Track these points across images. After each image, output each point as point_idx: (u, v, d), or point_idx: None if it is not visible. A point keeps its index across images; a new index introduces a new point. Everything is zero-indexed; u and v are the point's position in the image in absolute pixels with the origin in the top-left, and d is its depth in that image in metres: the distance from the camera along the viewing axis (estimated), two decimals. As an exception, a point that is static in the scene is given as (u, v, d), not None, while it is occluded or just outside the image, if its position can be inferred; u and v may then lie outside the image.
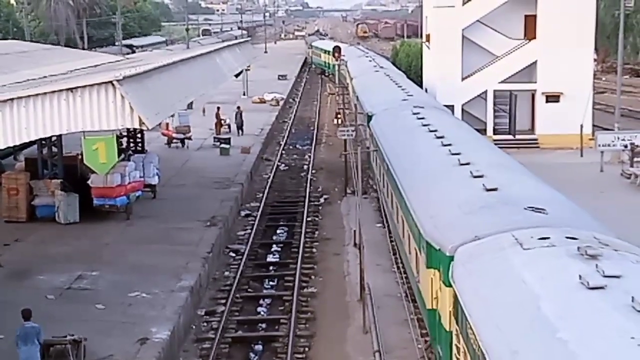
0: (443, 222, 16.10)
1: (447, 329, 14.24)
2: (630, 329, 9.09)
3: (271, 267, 26.48)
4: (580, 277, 10.62)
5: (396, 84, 42.31)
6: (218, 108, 48.06)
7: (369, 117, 33.00)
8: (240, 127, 47.56)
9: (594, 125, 44.76)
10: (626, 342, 8.90)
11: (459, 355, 13.09)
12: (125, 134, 34.91)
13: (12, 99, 16.99)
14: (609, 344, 9.05)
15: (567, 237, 12.59)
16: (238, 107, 48.81)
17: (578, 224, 14.16)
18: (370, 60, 62.02)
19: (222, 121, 47.20)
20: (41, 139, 25.53)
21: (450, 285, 13.72)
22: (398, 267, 22.51)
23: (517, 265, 12.16)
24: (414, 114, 29.32)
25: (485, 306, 11.75)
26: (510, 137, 45.25)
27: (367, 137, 33.61)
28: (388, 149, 26.20)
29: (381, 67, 55.16)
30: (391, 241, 25.15)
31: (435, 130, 24.85)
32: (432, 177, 19.79)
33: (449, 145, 21.99)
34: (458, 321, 13.12)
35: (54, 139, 27.80)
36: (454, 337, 13.66)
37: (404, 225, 20.26)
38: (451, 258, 14.10)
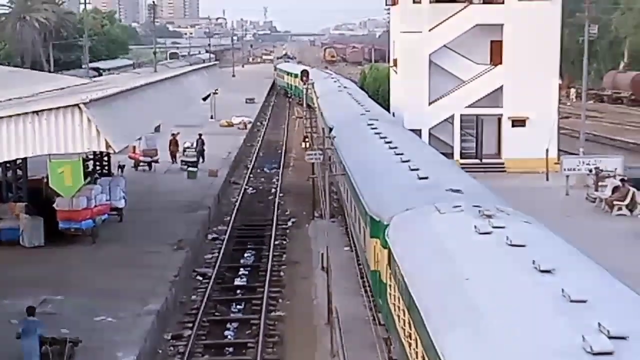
0: (384, 201, 20.22)
1: (384, 282, 18.11)
2: (500, 254, 13.45)
3: (238, 291, 26.36)
4: (475, 227, 14.92)
5: (356, 101, 47.08)
6: (173, 135, 46.04)
7: (330, 129, 36.52)
8: (201, 154, 45.22)
9: (559, 150, 45.21)
10: (496, 261, 13.27)
11: (391, 291, 16.97)
12: (91, 157, 34.67)
13: (-24, 121, 16.82)
14: (484, 262, 13.41)
15: (474, 206, 16.90)
16: (200, 135, 46.96)
17: (486, 200, 18.72)
18: (335, 82, 66.06)
19: (191, 144, 46.73)
20: (5, 162, 25.30)
21: (387, 247, 17.50)
22: (366, 291, 22.55)
23: (434, 223, 16.63)
24: (369, 125, 34.13)
25: (407, 250, 15.96)
26: (477, 161, 45.54)
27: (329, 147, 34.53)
28: (344, 152, 30.34)
29: (345, 88, 59.54)
30: (359, 265, 25.23)
31: (385, 137, 29.57)
32: (379, 170, 24.29)
33: (395, 148, 26.82)
34: (390, 267, 17.01)
35: (18, 161, 27.56)
36: (388, 283, 17.50)
37: (356, 209, 24.47)
38: (387, 226, 18.10)
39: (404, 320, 14.91)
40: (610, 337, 9.52)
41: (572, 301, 10.76)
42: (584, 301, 10.74)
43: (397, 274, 15.80)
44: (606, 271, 12.94)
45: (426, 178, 21.09)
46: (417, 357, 13.32)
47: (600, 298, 11.10)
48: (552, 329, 10.19)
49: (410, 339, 14.08)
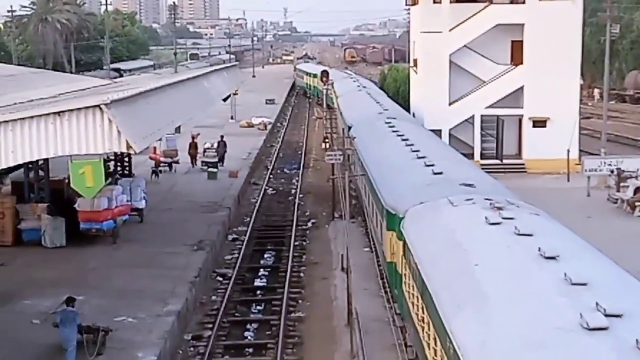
0: (399, 195, 21.00)
1: (400, 272, 18.87)
2: (508, 243, 14.07)
3: (258, 292, 26.38)
4: (486, 218, 15.60)
5: (375, 101, 47.78)
6: (192, 137, 45.62)
7: (349, 128, 37.25)
8: (222, 158, 44.84)
9: (580, 150, 44.97)
10: (504, 249, 13.86)
11: (406, 279, 17.78)
12: (112, 157, 34.79)
13: (-2, 123, 16.91)
14: (493, 249, 14.11)
15: (486, 199, 17.51)
16: (221, 136, 46.78)
17: (497, 193, 19.24)
18: (354, 81, 66.76)
19: (211, 145, 46.63)
20: (28, 163, 25.44)
21: (402, 238, 18.21)
22: (386, 292, 22.50)
23: (447, 215, 17.31)
24: (386, 123, 34.74)
25: (422, 241, 16.62)
26: (498, 161, 45.35)
27: (348, 145, 34.78)
28: (363, 149, 31.13)
29: (364, 87, 60.31)
30: (379, 265, 25.19)
31: (402, 135, 30.16)
32: (395, 166, 25.05)
33: (411, 145, 27.37)
34: (405, 258, 17.75)
35: (40, 162, 27.70)
36: (403, 273, 18.28)
37: (373, 204, 25.16)
38: (403, 218, 18.83)
39: (418, 307, 15.66)
40: (606, 315, 10.10)
41: (573, 284, 11.34)
42: (584, 284, 11.32)
43: (411, 264, 16.54)
44: (609, 258, 13.42)
45: (440, 173, 21.70)
46: (429, 339, 14.05)
47: (600, 281, 11.65)
48: (552, 308, 10.79)
49: (423, 323, 14.83)
